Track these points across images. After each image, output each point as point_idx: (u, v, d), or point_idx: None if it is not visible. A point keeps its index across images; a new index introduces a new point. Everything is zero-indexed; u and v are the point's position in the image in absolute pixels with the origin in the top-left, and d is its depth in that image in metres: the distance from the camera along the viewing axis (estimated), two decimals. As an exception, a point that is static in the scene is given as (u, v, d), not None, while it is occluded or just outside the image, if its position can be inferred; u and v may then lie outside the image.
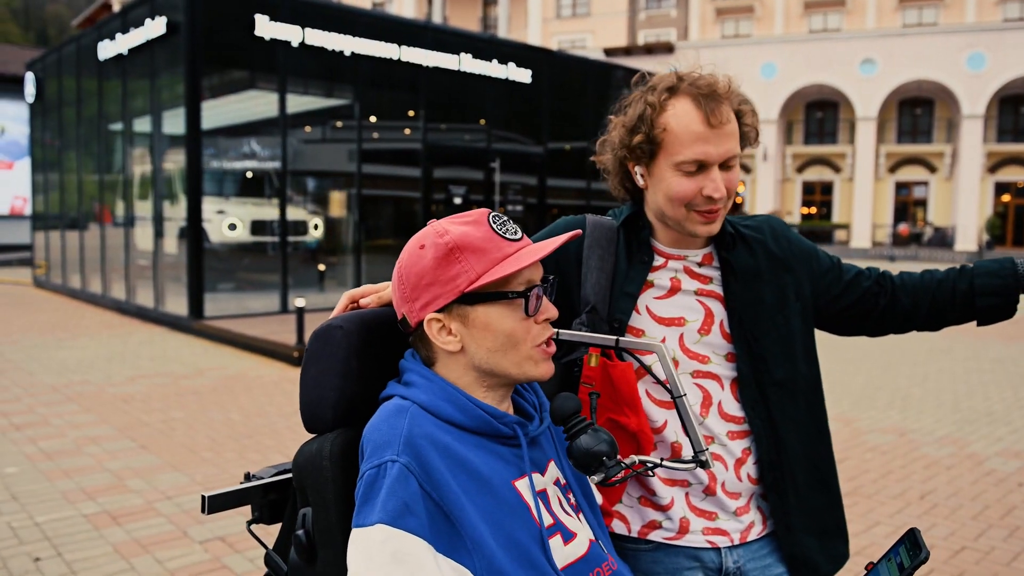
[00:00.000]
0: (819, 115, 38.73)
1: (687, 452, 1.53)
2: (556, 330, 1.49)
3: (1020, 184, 35.67)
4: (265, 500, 1.36)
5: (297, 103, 12.13)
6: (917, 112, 37.22)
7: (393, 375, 1.28)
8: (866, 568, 1.27)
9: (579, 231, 1.30)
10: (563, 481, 1.30)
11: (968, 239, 33.92)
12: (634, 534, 1.58)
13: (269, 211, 12.11)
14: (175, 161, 11.45)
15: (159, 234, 11.63)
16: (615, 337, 1.44)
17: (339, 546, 1.14)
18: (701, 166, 1.44)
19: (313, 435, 1.26)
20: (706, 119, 1.42)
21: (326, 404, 1.22)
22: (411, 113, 13.22)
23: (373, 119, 12.95)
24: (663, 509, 1.56)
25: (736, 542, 1.56)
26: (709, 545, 1.56)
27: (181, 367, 8.19)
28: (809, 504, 1.60)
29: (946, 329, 1.70)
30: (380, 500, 1.06)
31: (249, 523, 1.36)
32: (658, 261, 1.58)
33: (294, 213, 12.35)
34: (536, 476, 1.22)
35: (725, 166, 1.46)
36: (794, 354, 1.59)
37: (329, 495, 1.16)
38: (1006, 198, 36.04)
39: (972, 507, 4.59)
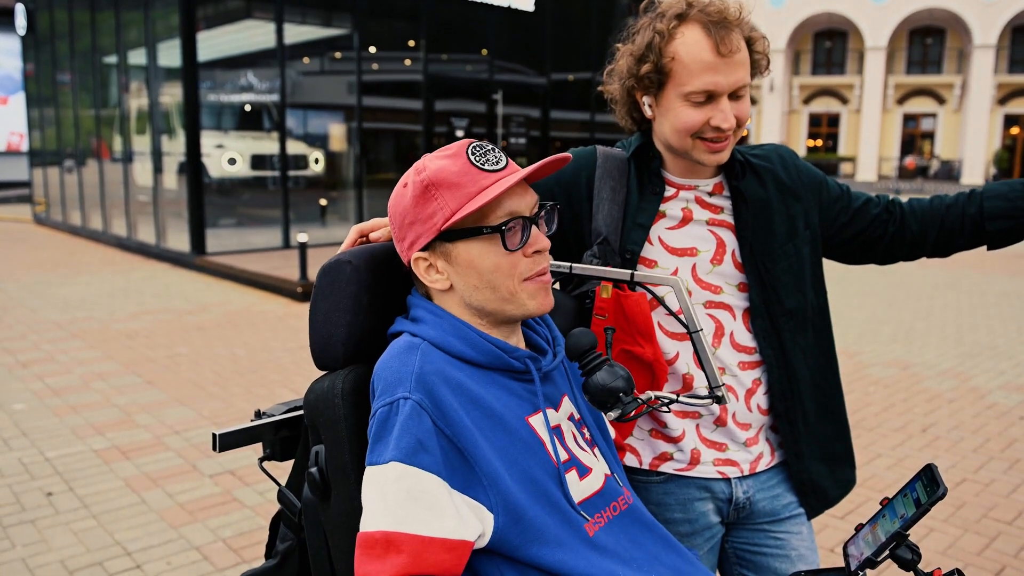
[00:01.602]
0: (828, 45, 37.95)
1: (699, 384, 1.53)
2: (568, 264, 1.47)
3: (1029, 116, 35.13)
4: (276, 437, 1.35)
5: (295, 33, 11.87)
6: (928, 42, 36.45)
7: (402, 310, 1.26)
8: (881, 503, 1.26)
9: (567, 155, 1.25)
10: (577, 416, 1.28)
11: (975, 173, 33.60)
12: (645, 466, 1.58)
13: (269, 145, 11.97)
14: (172, 95, 11.26)
15: (158, 169, 11.52)
16: (630, 271, 1.41)
17: (353, 484, 1.13)
18: (710, 96, 1.40)
19: (323, 372, 1.24)
20: (716, 48, 1.37)
21: (337, 341, 1.20)
22: (411, 43, 12.95)
23: (373, 50, 12.69)
24: (674, 441, 1.56)
25: (746, 472, 1.57)
26: (720, 476, 1.56)
27: (184, 303, 8.20)
28: (818, 431, 1.61)
29: (952, 263, 1.67)
30: (393, 438, 1.04)
31: (261, 460, 1.35)
32: (669, 192, 1.55)
33: (294, 147, 12.20)
34: (550, 411, 1.20)
35: (735, 95, 1.41)
36: (804, 283, 1.58)
37: (342, 433, 1.14)
38: (1015, 131, 35.55)
39: (973, 440, 4.62)
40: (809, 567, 1.60)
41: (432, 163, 1.17)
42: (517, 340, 1.24)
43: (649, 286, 1.45)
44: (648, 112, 1.49)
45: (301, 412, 1.37)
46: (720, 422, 1.55)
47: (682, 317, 1.39)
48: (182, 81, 10.34)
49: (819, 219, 1.62)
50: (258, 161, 12.01)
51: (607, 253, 1.52)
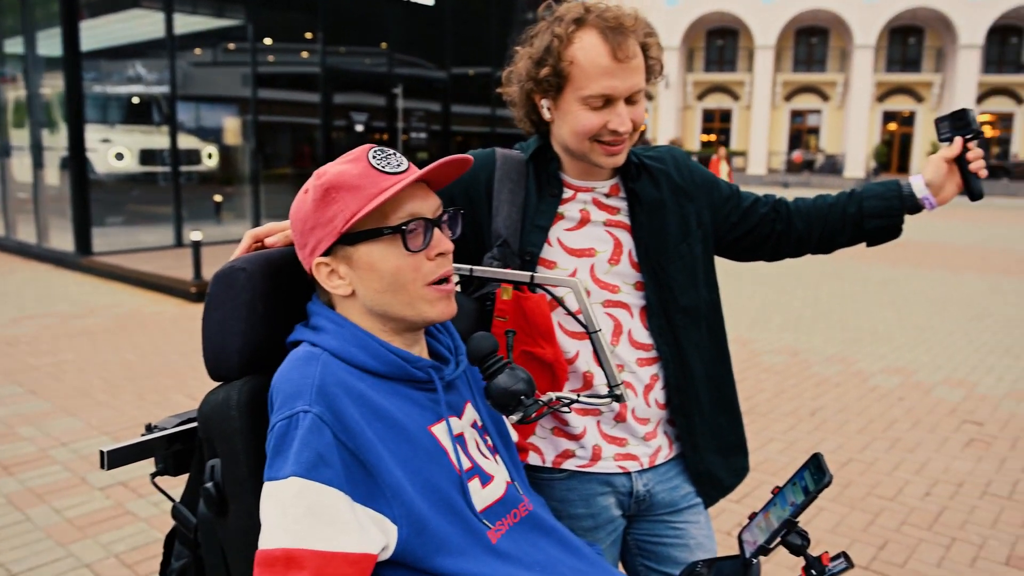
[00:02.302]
0: (719, 43, 39.23)
1: (599, 382, 1.56)
2: (468, 267, 1.47)
3: (905, 113, 37.27)
4: (169, 451, 1.30)
5: (185, 23, 11.42)
6: (813, 41, 38.15)
7: (301, 318, 1.23)
8: (773, 492, 1.32)
9: (468, 156, 1.25)
10: (480, 423, 1.29)
11: (857, 166, 35.40)
12: (548, 464, 1.60)
13: (159, 139, 11.48)
14: (53, 86, 10.66)
15: (38, 165, 10.90)
16: (530, 273, 1.43)
17: (251, 498, 1.10)
18: (607, 100, 1.43)
19: (218, 383, 1.20)
20: (613, 53, 1.39)
21: (231, 350, 1.17)
22: (309, 35, 12.66)
23: (268, 41, 12.34)
24: (576, 438, 1.58)
25: (645, 466, 1.62)
26: (620, 470, 1.60)
27: (70, 306, 7.80)
28: (713, 424, 1.67)
29: (837, 253, 1.77)
30: (293, 452, 1.02)
31: (153, 475, 1.30)
32: (567, 193, 1.58)
33: (186, 141, 11.74)
34: (453, 420, 1.20)
35: (631, 100, 1.45)
36: (697, 281, 1.63)
37: (239, 446, 1.11)
38: (892, 127, 37.66)
39: (857, 422, 4.88)
40: (707, 555, 1.65)
41: (332, 168, 1.16)
42: (420, 349, 1.23)
43: (549, 287, 1.46)
44: (546, 115, 1.50)
45: (195, 424, 1.33)
46: (620, 418, 1.58)
47: (581, 318, 1.41)
48: (64, 72, 9.81)
49: (711, 218, 1.68)
50: (147, 156, 11.50)
51: (507, 255, 1.53)
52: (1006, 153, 35.71)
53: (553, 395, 1.26)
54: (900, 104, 37.17)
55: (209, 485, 1.13)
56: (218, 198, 12.30)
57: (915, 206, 1.64)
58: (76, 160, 9.97)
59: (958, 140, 1.61)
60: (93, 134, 10.71)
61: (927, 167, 1.64)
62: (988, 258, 12.91)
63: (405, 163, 1.17)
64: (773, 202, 1.73)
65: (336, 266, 1.16)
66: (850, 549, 3.26)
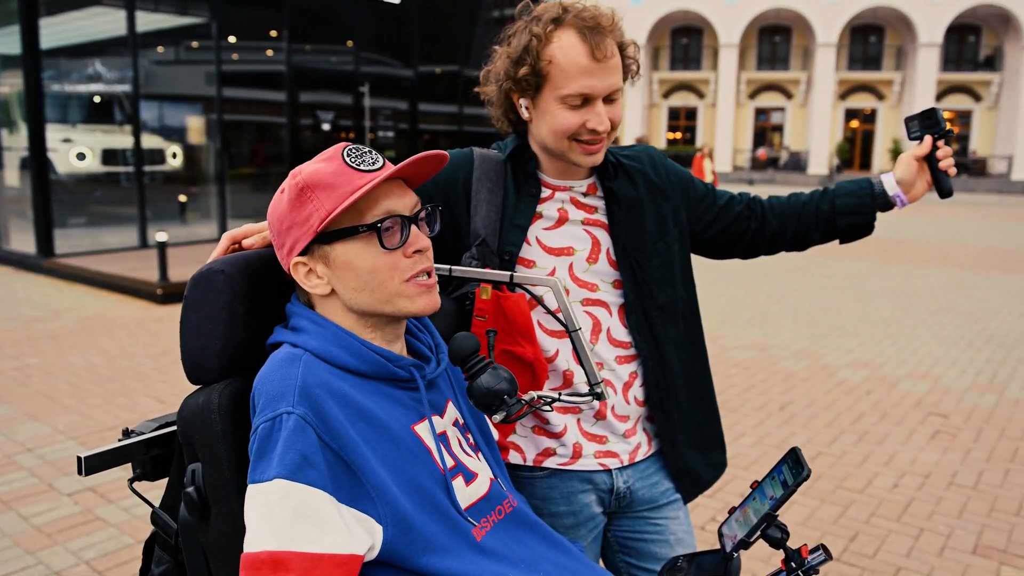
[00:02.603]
0: (684, 41, 39.52)
1: (579, 380, 1.57)
2: (448, 267, 1.47)
3: (867, 111, 37.86)
4: (147, 456, 1.29)
5: (148, 21, 11.25)
6: (776, 40, 38.59)
7: (280, 319, 1.22)
8: (752, 486, 1.33)
9: (443, 153, 1.24)
10: (461, 421, 1.29)
11: (820, 163, 35.88)
12: (529, 462, 1.60)
13: (121, 139, 11.29)
14: (11, 85, 10.45)
15: (-2, 165, 10.69)
16: (509, 273, 1.43)
17: (234, 502, 1.09)
18: (586, 100, 1.43)
19: (197, 386, 1.19)
20: (591, 53, 1.40)
21: (210, 353, 1.15)
22: (273, 33, 12.54)
23: (232, 39, 12.20)
24: (557, 436, 1.59)
25: (625, 463, 1.63)
26: (601, 468, 1.61)
27: (33, 309, 7.65)
28: (691, 419, 1.69)
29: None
30: (277, 454, 1.01)
31: (131, 481, 1.29)
32: (545, 193, 1.58)
33: (150, 141, 11.56)
34: (436, 419, 1.20)
35: (608, 99, 1.46)
36: (674, 278, 1.65)
37: (220, 450, 1.10)
38: (854, 124, 38.22)
39: (826, 416, 4.95)
40: (687, 550, 1.67)
41: (307, 167, 1.16)
42: (400, 347, 1.23)
43: (528, 287, 1.47)
44: (525, 114, 1.51)
45: (173, 428, 1.31)
46: (600, 416, 1.59)
47: (561, 317, 1.41)
48: (23, 70, 9.61)
49: (686, 217, 1.69)
50: (110, 156, 11.31)
51: (486, 255, 1.53)
52: (965, 150, 36.43)
53: (535, 394, 1.27)
54: (862, 102, 37.75)
55: (191, 490, 1.12)
56: (183, 198, 12.14)
57: (887, 203, 1.67)
58: (37, 160, 9.79)
59: (927, 139, 1.65)
60: (54, 134, 10.51)
61: (898, 166, 1.67)
62: (949, 253, 13.17)
63: (380, 160, 1.17)
64: (747, 200, 1.75)
65: (314, 265, 1.15)
66: (821, 541, 3.30)
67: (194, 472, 1.13)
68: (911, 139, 1.68)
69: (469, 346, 1.20)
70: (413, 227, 1.16)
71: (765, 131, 39.39)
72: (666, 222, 1.64)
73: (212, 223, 11.87)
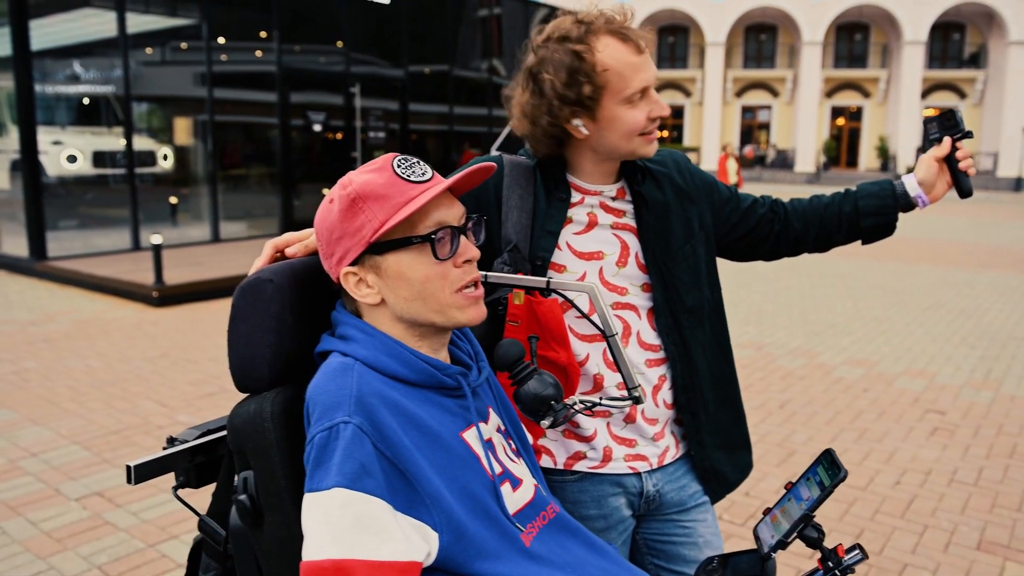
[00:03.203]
0: (671, 40, 39.62)
1: (608, 384, 1.58)
2: (483, 273, 1.48)
3: (853, 108, 38.08)
4: (191, 464, 1.29)
5: (138, 22, 11.19)
6: (762, 38, 38.76)
7: (325, 327, 1.24)
8: (785, 487, 1.36)
9: (491, 164, 1.27)
10: (503, 428, 1.30)
11: (807, 161, 36.06)
12: (560, 466, 1.62)
13: (112, 141, 11.23)
14: (1, 87, 10.37)
15: (-12, 168, 10.60)
16: (546, 279, 1.45)
17: (289, 509, 1.10)
18: (643, 93, 1.49)
19: (245, 395, 1.20)
20: (636, 48, 1.47)
21: (261, 362, 1.16)
22: (263, 34, 12.50)
23: (222, 40, 12.15)
24: (587, 440, 1.61)
25: (655, 466, 1.65)
26: (631, 471, 1.63)
27: (27, 313, 7.61)
28: (718, 421, 1.71)
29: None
30: (335, 463, 1.02)
31: (175, 488, 1.29)
32: (575, 197, 1.60)
33: (141, 142, 11.50)
34: (482, 425, 1.21)
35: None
36: (701, 281, 1.67)
37: (275, 458, 1.11)
38: (840, 122, 38.43)
39: (825, 413, 4.99)
40: (715, 552, 1.69)
41: (358, 177, 1.16)
42: (445, 356, 1.24)
43: (564, 292, 1.48)
44: (583, 132, 1.51)
45: (217, 436, 1.33)
46: (630, 419, 1.61)
47: (597, 322, 1.43)
48: (14, 71, 9.54)
49: (711, 220, 1.72)
50: (101, 158, 11.25)
51: (518, 260, 1.55)
52: (950, 147, 36.61)
53: (576, 399, 1.28)
54: (848, 99, 37.97)
55: (243, 497, 1.13)
56: (173, 200, 12.08)
57: (909, 204, 1.71)
58: (29, 163, 9.72)
59: (947, 140, 1.68)
60: (44, 136, 10.44)
61: (919, 167, 1.70)
62: (939, 250, 13.27)
63: (429, 171, 1.19)
64: (771, 203, 1.78)
65: (364, 275, 1.16)
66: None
67: (246, 480, 1.14)
68: (930, 140, 1.71)
69: (515, 353, 1.21)
70: (462, 237, 1.18)
71: (752, 129, 39.56)
72: (692, 225, 1.66)
73: (204, 225, 11.82)
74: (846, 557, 1.28)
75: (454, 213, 1.19)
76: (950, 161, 1.68)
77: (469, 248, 1.19)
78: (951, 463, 4.21)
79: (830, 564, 1.28)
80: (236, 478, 1.16)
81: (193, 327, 6.97)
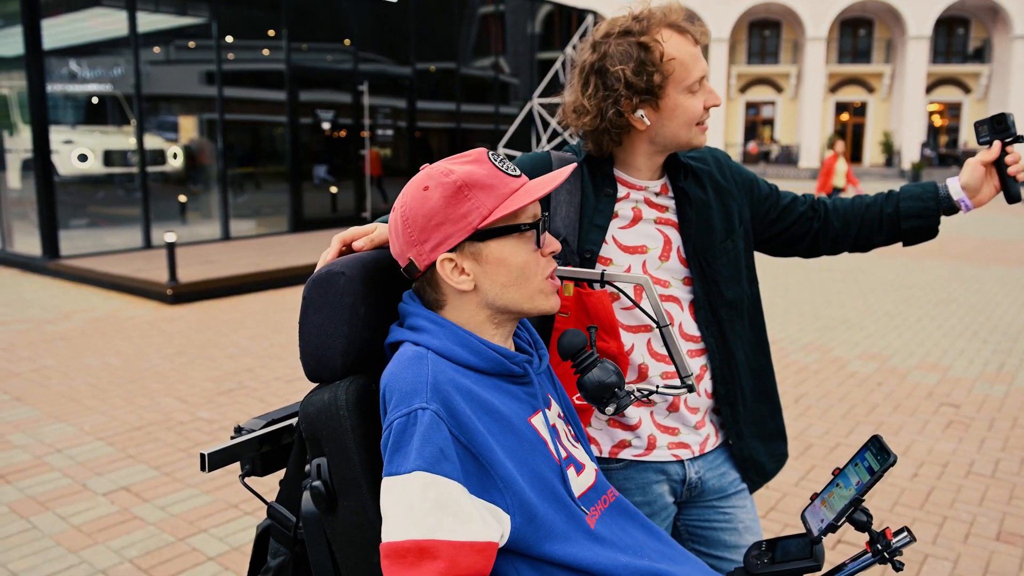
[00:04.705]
0: (675, 36, 39.52)
1: (652, 373, 1.62)
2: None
3: (857, 104, 38.04)
4: (258, 452, 1.34)
5: (148, 21, 11.24)
6: (766, 34, 38.71)
7: (392, 319, 1.27)
8: (833, 473, 1.39)
9: (574, 164, 1.32)
10: (562, 414, 1.34)
11: (811, 157, 36.05)
12: (605, 454, 1.66)
13: (122, 140, 11.28)
14: (12, 86, 10.42)
15: (0, 167, 10.64)
16: (600, 271, 1.49)
17: (365, 494, 1.14)
18: (700, 82, 1.55)
19: (316, 384, 1.24)
20: (694, 40, 1.54)
21: (334, 352, 1.20)
22: (272, 33, 12.54)
23: (231, 39, 12.19)
24: (631, 429, 1.64)
25: (696, 453, 1.69)
26: (674, 458, 1.67)
27: (42, 311, 7.66)
28: (755, 412, 1.76)
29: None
30: (415, 448, 1.06)
31: (242, 476, 1.34)
32: (621, 192, 1.64)
33: (151, 141, 11.55)
34: (547, 411, 1.25)
35: None
36: (740, 276, 1.71)
37: (350, 444, 1.15)
38: (844, 117, 38.38)
39: (840, 407, 5.03)
40: (755, 537, 1.73)
41: (458, 167, 1.20)
42: (511, 345, 1.28)
43: (616, 284, 1.52)
44: (644, 123, 1.55)
45: (283, 425, 1.37)
46: (673, 408, 1.65)
47: (651, 312, 1.47)
48: (26, 71, 9.58)
49: (751, 215, 1.75)
50: (111, 157, 11.30)
51: (567, 253, 1.59)
52: (955, 142, 36.69)
53: (635, 387, 1.32)
54: (852, 95, 37.94)
55: (317, 483, 1.17)
56: (183, 198, 12.13)
57: (951, 207, 1.72)
58: (41, 162, 9.77)
59: (997, 144, 1.66)
60: (55, 135, 10.49)
61: (964, 171, 1.70)
62: (946, 245, 13.28)
63: (516, 168, 1.25)
64: (811, 201, 1.81)
65: (461, 262, 1.20)
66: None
67: (319, 466, 1.18)
68: (980, 143, 1.70)
69: (578, 342, 1.25)
70: (545, 231, 1.24)
71: (756, 125, 39.55)
72: (732, 221, 1.70)
73: (214, 223, 11.87)
74: (894, 540, 1.31)
75: (536, 208, 1.25)
76: (999, 165, 1.67)
77: (552, 241, 1.26)
78: (967, 455, 4.24)
79: (879, 547, 1.32)
80: (309, 465, 1.20)
81: (208, 325, 7.02)
